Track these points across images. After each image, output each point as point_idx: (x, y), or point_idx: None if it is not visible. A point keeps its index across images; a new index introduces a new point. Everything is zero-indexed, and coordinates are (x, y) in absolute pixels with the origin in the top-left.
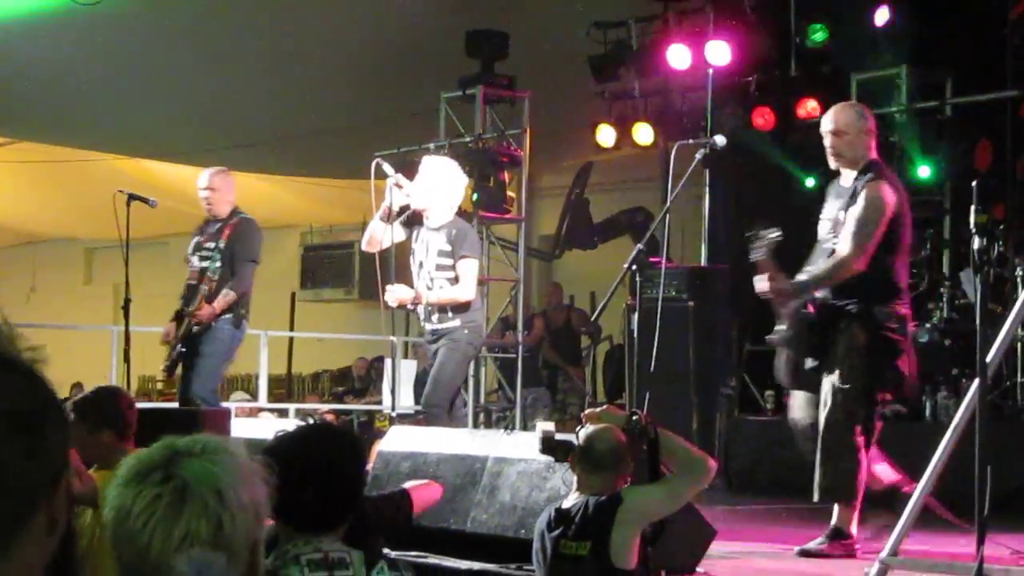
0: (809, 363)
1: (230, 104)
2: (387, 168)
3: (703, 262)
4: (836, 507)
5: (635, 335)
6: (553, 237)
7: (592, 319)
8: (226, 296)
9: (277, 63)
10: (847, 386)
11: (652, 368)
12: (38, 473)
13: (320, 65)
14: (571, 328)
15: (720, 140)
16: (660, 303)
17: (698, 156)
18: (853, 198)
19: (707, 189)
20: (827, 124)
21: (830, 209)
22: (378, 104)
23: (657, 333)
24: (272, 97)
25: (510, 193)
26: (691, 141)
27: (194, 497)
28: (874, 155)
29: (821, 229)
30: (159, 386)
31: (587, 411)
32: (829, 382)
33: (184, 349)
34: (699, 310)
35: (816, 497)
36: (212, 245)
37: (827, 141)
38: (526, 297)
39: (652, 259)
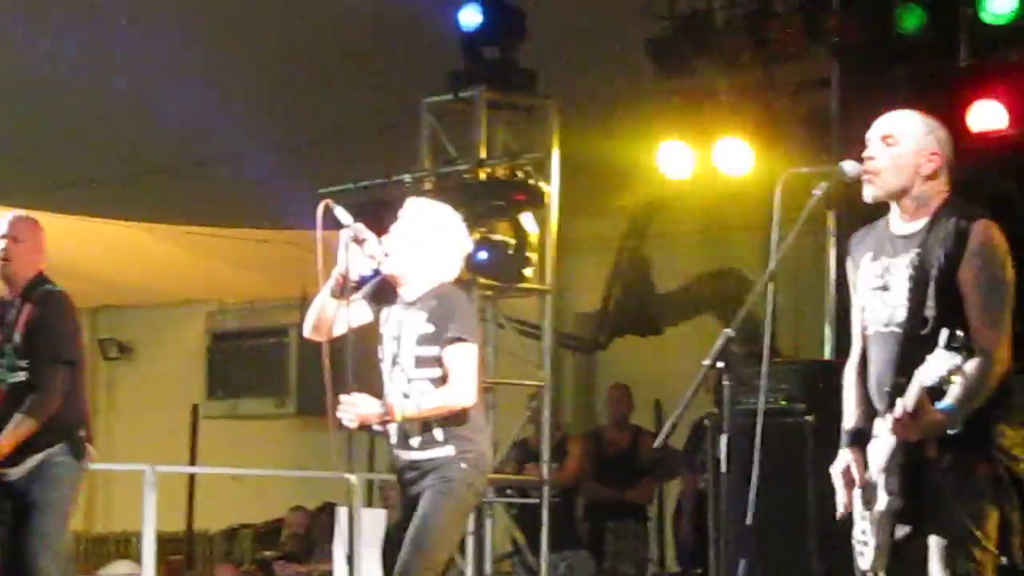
0: (900, 530)
1: (96, 121)
2: (341, 214)
3: (828, 354)
4: None
5: (723, 467)
6: (596, 316)
7: (656, 443)
8: (17, 428)
9: (168, 56)
10: (967, 542)
11: (750, 518)
12: None
13: (236, 56)
14: (637, 457)
15: (852, 167)
16: (762, 417)
17: (817, 191)
18: (962, 247)
19: (833, 240)
20: (877, 127)
21: (884, 270)
22: (324, 115)
23: (756, 463)
24: (157, 107)
25: (528, 254)
26: (806, 169)
27: None
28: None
29: (874, 304)
30: None
31: None
32: (939, 544)
33: None
34: (822, 426)
35: None
36: (9, 344)
37: (867, 151)
38: (556, 410)
39: (749, 350)
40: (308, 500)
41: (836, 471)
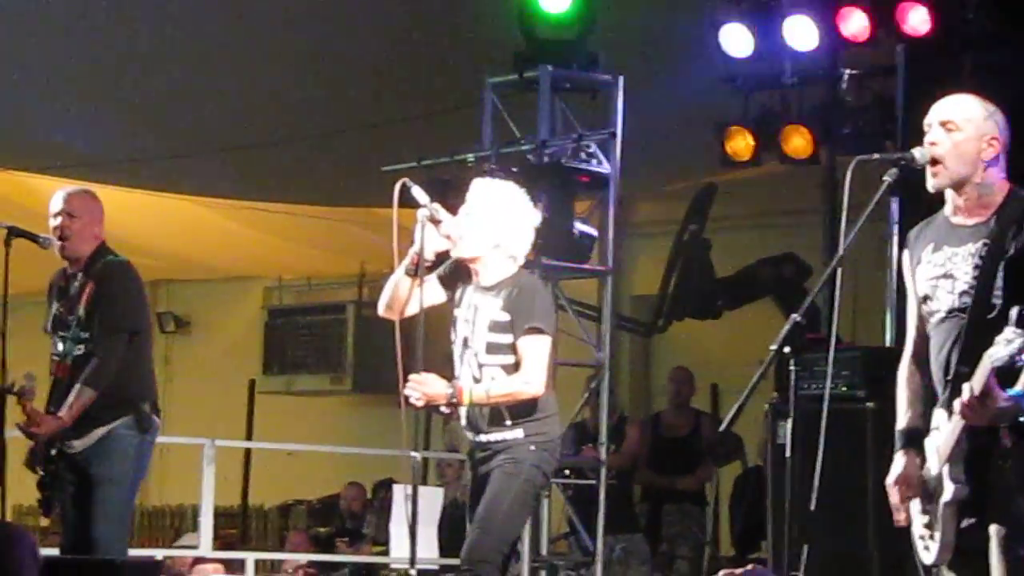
0: (965, 522)
1: (161, 97)
2: (419, 193)
3: (888, 341)
4: None
5: (789, 452)
6: (655, 299)
7: (722, 427)
8: (79, 395)
9: (232, 34)
10: None
11: (814, 504)
12: None
13: (300, 35)
14: (697, 441)
15: (922, 154)
16: (827, 403)
17: (887, 179)
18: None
19: (895, 229)
20: (936, 112)
21: (947, 259)
22: (388, 94)
23: (821, 450)
24: (223, 84)
25: (586, 228)
26: (876, 156)
27: None
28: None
29: (937, 293)
30: (43, 523)
31: (723, 572)
32: (998, 533)
33: (50, 480)
34: (883, 413)
35: None
36: (72, 317)
37: (929, 136)
38: (614, 391)
39: (812, 336)
40: (361, 477)
41: (891, 481)
